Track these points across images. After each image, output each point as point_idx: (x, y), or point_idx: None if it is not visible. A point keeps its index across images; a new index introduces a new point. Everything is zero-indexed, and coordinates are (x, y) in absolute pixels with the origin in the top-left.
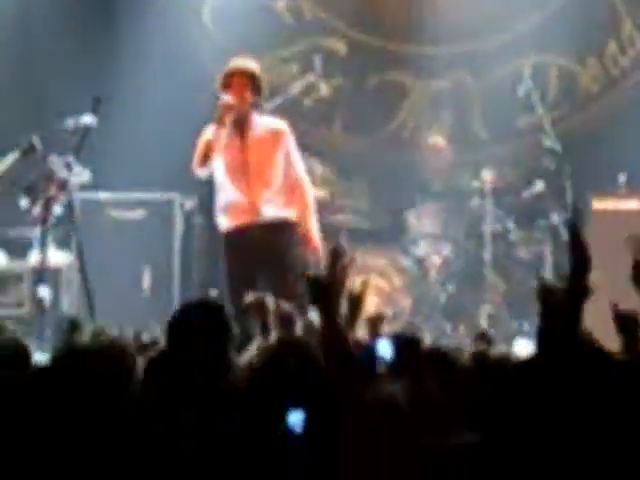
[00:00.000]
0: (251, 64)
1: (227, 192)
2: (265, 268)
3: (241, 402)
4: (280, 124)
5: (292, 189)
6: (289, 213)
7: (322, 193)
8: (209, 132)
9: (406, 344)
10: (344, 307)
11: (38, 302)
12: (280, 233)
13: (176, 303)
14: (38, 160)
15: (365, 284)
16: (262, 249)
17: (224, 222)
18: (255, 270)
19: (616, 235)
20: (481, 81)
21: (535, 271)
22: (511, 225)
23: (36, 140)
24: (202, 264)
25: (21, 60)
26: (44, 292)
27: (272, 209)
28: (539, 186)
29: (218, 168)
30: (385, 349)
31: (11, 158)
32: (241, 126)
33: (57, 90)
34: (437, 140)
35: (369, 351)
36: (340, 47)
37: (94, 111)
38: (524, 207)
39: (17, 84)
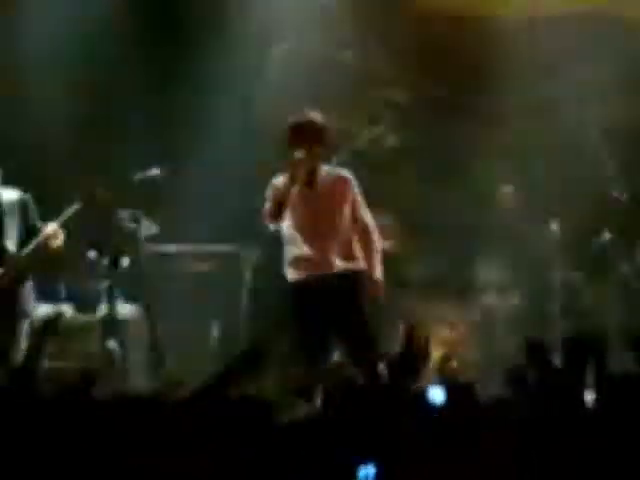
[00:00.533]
0: (318, 117)
1: (297, 244)
2: (337, 319)
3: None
4: (345, 173)
5: (360, 237)
6: (358, 263)
7: (387, 244)
8: (279, 184)
9: (459, 391)
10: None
11: (107, 355)
12: (350, 284)
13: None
14: (105, 213)
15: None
16: (333, 300)
17: (294, 274)
18: (326, 321)
19: None
20: (548, 130)
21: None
22: (579, 275)
23: (100, 192)
24: (269, 316)
25: (89, 119)
26: (113, 345)
27: (342, 260)
28: (607, 236)
29: (287, 220)
30: (437, 395)
31: (73, 209)
32: (310, 179)
33: (124, 145)
34: (508, 190)
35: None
36: (407, 98)
37: (160, 164)
38: (592, 257)
39: (87, 138)
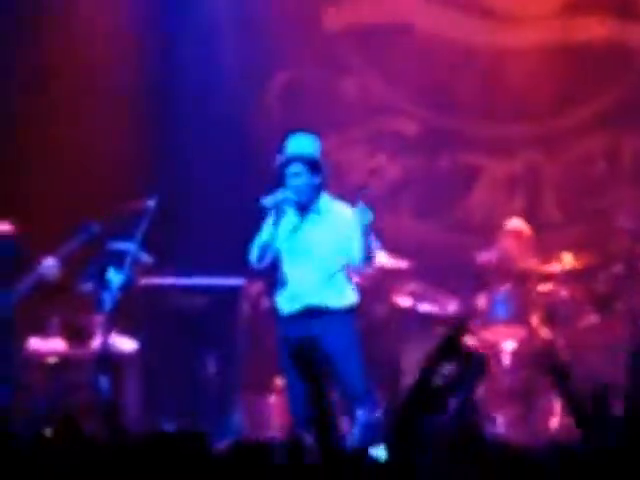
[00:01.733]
0: (309, 147)
1: (290, 276)
2: (327, 356)
3: None
4: (342, 208)
5: (354, 271)
6: (351, 298)
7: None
8: (270, 220)
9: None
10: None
11: (98, 390)
12: (341, 321)
13: (241, 390)
14: (100, 245)
15: None
16: (323, 336)
17: (282, 308)
18: (314, 356)
19: None
20: (554, 161)
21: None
22: (587, 309)
23: (95, 226)
24: (267, 348)
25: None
26: (104, 381)
27: (334, 293)
28: (616, 268)
29: (282, 252)
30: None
31: (70, 244)
32: (303, 210)
33: (119, 177)
34: (518, 224)
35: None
36: (410, 127)
37: (155, 194)
38: (601, 291)
39: (83, 168)
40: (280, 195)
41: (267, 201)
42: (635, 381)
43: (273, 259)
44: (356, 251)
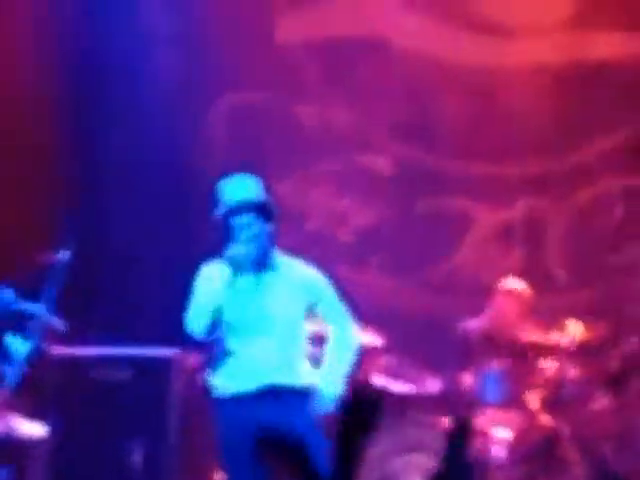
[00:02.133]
0: (257, 191)
1: (242, 350)
2: (280, 450)
3: None
4: (302, 267)
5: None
6: (308, 376)
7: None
8: (211, 276)
9: None
10: None
11: None
12: (295, 400)
13: None
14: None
15: None
16: (288, 419)
17: (224, 386)
18: (264, 451)
19: None
20: (559, 209)
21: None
22: (598, 391)
23: (6, 293)
24: (203, 435)
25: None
26: (3, 474)
27: (288, 371)
28: (633, 341)
29: (228, 322)
30: None
31: None
32: (258, 268)
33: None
34: (515, 285)
35: None
36: (383, 164)
37: (70, 246)
38: (614, 369)
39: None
40: (237, 250)
41: (229, 254)
42: None
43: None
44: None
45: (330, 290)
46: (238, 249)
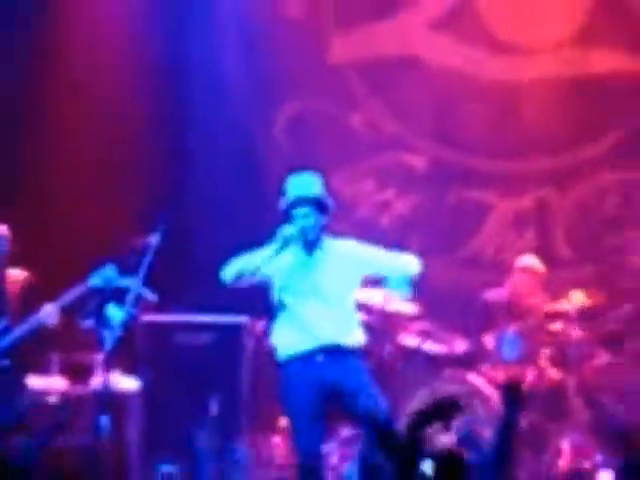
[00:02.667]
0: (316, 188)
1: (299, 315)
2: (334, 402)
3: None
4: (348, 244)
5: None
6: (362, 337)
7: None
8: (267, 252)
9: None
10: None
11: (97, 430)
12: (358, 360)
13: (245, 431)
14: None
15: None
16: (342, 376)
17: (288, 347)
18: (322, 403)
19: None
20: (565, 198)
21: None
22: (598, 349)
23: (110, 270)
24: (270, 388)
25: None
26: (104, 420)
27: (348, 332)
28: (626, 309)
29: (286, 290)
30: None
31: (76, 290)
32: (310, 250)
33: (123, 211)
34: (532, 261)
35: None
36: (419, 162)
37: (158, 229)
38: (612, 330)
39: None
40: (289, 229)
41: (282, 232)
42: None
43: (254, 286)
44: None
45: (371, 247)
46: (289, 229)
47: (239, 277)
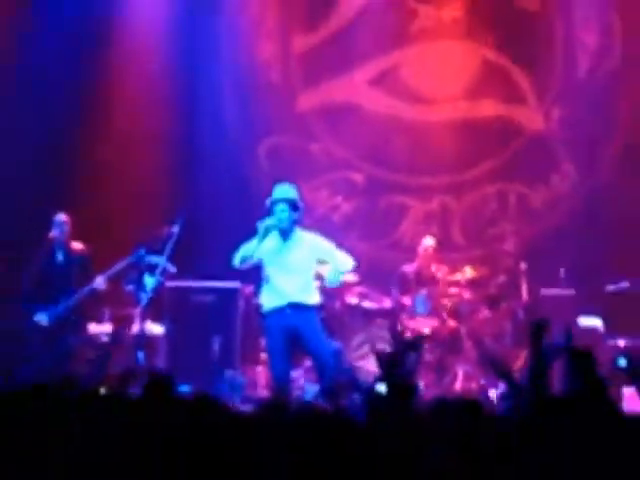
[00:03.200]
0: (291, 193)
1: (275, 282)
2: (298, 342)
3: None
4: (312, 236)
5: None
6: (317, 298)
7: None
8: (255, 240)
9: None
10: None
11: (136, 361)
12: (312, 313)
13: (238, 362)
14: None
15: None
16: (301, 324)
17: (268, 304)
18: (289, 342)
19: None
20: (460, 203)
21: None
22: (481, 307)
23: (142, 250)
24: (256, 334)
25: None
26: (140, 355)
27: (307, 295)
28: (501, 279)
29: (267, 264)
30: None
31: (121, 264)
32: (285, 236)
33: (155, 208)
34: (428, 242)
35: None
36: (359, 178)
37: (178, 223)
38: (491, 294)
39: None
40: (269, 221)
41: (261, 224)
42: (535, 349)
43: (254, 266)
44: (330, 272)
45: (327, 243)
46: (269, 220)
47: (243, 261)
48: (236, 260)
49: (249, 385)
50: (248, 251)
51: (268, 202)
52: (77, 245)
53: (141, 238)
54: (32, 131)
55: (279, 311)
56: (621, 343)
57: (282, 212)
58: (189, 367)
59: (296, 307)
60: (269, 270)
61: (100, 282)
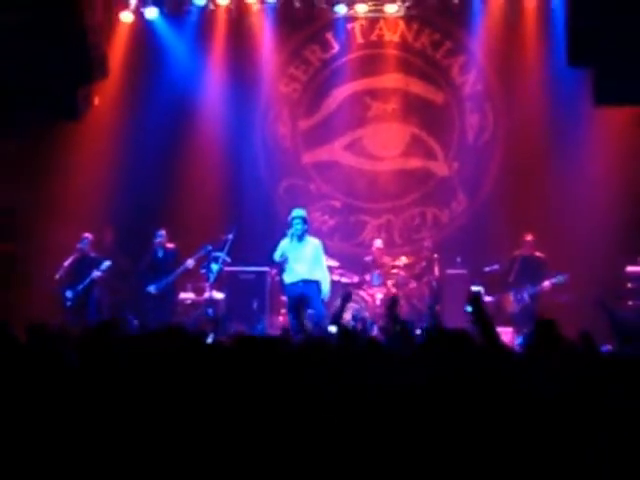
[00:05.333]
0: (302, 213)
1: (293, 266)
2: (304, 302)
3: None
4: (315, 240)
5: (321, 267)
6: (318, 276)
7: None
8: (283, 242)
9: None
10: None
11: (209, 318)
12: (316, 286)
13: (267, 315)
14: (209, 253)
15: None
16: (308, 293)
17: (288, 280)
18: (299, 302)
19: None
20: (397, 219)
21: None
22: (411, 280)
23: (208, 246)
24: (279, 299)
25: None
26: (210, 311)
27: (310, 274)
28: (423, 264)
29: (288, 254)
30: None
31: (203, 252)
32: (299, 239)
33: (216, 221)
34: (378, 243)
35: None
36: (338, 204)
37: (231, 232)
38: (417, 273)
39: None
40: (291, 231)
41: (290, 231)
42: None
43: (284, 260)
44: (323, 282)
45: (322, 253)
46: (292, 230)
47: (281, 257)
48: (276, 256)
49: (272, 327)
50: (280, 249)
51: (289, 219)
52: (170, 245)
53: (209, 241)
54: (145, 173)
55: (295, 284)
56: (488, 298)
57: (297, 224)
58: (239, 317)
59: (305, 282)
60: (289, 259)
61: (190, 262)
